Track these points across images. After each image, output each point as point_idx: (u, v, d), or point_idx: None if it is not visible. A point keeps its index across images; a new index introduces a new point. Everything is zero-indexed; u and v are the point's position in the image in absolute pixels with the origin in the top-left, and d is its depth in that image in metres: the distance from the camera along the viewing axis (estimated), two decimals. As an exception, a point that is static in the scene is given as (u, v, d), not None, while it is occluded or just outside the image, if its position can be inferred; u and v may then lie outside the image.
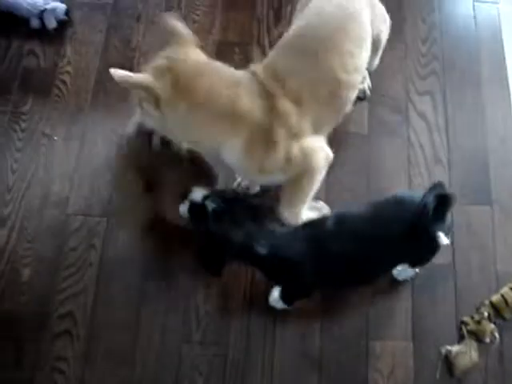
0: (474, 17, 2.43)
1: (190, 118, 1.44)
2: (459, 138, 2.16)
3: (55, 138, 2.14)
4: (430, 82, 2.26)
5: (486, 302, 1.89)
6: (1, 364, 1.82)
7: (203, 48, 1.56)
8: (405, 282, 1.91)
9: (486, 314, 1.86)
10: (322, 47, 1.58)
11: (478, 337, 1.85)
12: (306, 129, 1.54)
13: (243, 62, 2.24)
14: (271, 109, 1.47)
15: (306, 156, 1.56)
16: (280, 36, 2.25)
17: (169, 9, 2.37)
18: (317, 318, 1.88)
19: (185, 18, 2.33)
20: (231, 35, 2.32)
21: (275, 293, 1.82)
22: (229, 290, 1.91)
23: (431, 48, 2.32)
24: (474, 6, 2.46)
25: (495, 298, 1.89)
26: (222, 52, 2.28)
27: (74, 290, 1.91)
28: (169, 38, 1.47)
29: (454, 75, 2.29)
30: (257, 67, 1.56)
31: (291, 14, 2.33)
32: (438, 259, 1.91)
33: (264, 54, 2.26)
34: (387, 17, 1.89)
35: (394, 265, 1.78)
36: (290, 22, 2.28)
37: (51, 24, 2.34)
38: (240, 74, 1.53)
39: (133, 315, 1.88)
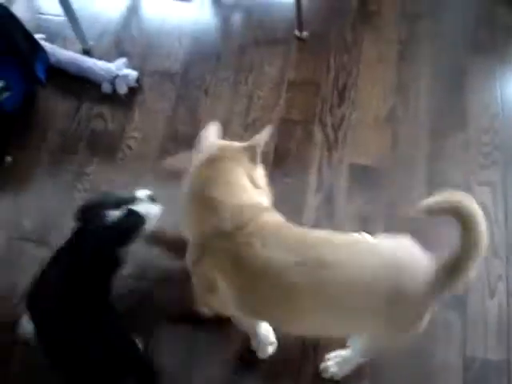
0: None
1: None
2: (519, 233, 2.13)
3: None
4: (491, 173, 2.24)
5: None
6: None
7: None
8: (457, 375, 1.85)
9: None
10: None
11: None
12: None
13: (304, 141, 2.30)
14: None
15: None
16: (343, 117, 2.33)
17: (236, 83, 2.45)
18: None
19: (250, 94, 2.42)
20: (294, 113, 2.36)
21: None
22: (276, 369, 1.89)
23: (493, 138, 2.31)
24: (536, 96, 2.47)
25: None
26: (283, 129, 2.33)
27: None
28: None
29: (515, 167, 2.28)
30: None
31: (354, 96, 2.39)
32: (492, 356, 1.87)
33: (325, 133, 2.31)
34: None
35: None
36: (353, 104, 2.36)
37: (122, 89, 2.43)
38: None
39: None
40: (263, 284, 1.39)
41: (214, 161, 1.51)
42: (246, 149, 1.54)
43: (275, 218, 1.49)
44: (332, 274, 1.35)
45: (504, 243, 2.08)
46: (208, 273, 1.47)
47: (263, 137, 1.56)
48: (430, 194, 2.09)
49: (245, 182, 1.51)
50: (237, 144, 1.58)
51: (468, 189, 2.17)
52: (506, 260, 2.05)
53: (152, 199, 1.80)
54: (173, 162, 1.96)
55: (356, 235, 1.54)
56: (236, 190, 1.48)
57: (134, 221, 1.72)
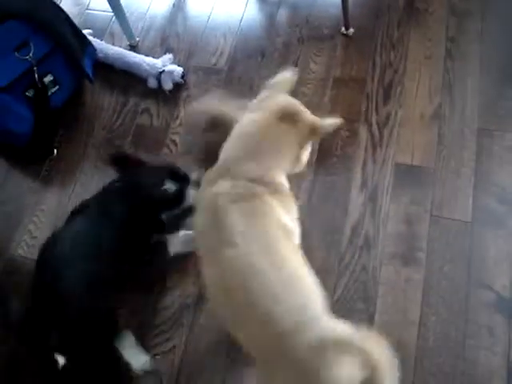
0: None
1: None
2: None
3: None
4: (541, 175, 2.20)
5: None
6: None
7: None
8: (499, 381, 1.82)
9: None
10: None
11: None
12: None
13: (349, 138, 2.28)
14: None
15: None
16: (388, 115, 2.30)
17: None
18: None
19: (295, 91, 2.41)
20: (339, 110, 2.34)
21: None
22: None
23: (543, 140, 2.27)
24: None
25: None
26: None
27: (163, 348, 1.93)
28: None
29: None
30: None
31: (400, 94, 2.36)
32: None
33: (370, 131, 2.29)
34: None
35: None
36: (399, 102, 2.33)
37: (167, 85, 2.45)
38: None
39: (219, 381, 1.88)
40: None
41: (281, 116, 1.52)
42: (312, 125, 1.55)
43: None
44: (250, 280, 1.32)
45: (552, 246, 2.04)
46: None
47: (332, 124, 1.57)
48: (476, 195, 2.11)
49: (289, 156, 1.53)
50: (308, 114, 1.58)
51: (516, 191, 2.14)
52: (553, 261, 2.02)
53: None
54: (198, 108, 1.96)
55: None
56: (275, 158, 1.50)
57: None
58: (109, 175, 2.24)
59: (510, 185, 2.13)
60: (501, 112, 2.30)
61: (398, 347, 1.83)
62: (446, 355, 1.85)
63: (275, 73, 2.42)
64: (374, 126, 2.29)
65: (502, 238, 2.04)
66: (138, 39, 2.64)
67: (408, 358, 1.85)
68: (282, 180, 1.52)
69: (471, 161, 2.19)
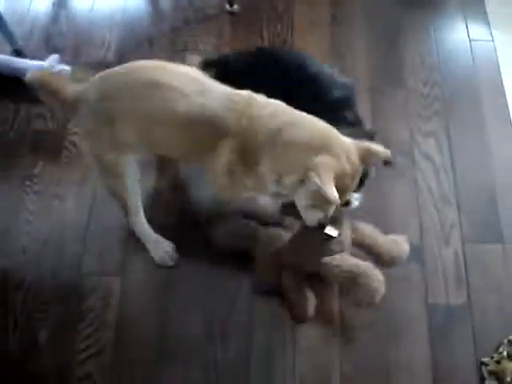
0: (472, 56, 2.47)
1: None
2: (466, 178, 2.18)
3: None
4: (434, 123, 2.29)
5: (505, 341, 1.88)
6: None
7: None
8: (423, 325, 1.90)
9: (505, 353, 1.85)
10: None
11: (498, 376, 1.83)
12: None
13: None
14: None
15: None
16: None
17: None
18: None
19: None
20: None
21: None
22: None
23: (432, 89, 2.36)
24: (471, 44, 2.51)
25: (514, 335, 1.89)
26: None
27: (93, 350, 1.89)
28: None
29: (456, 115, 2.33)
30: None
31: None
32: (454, 300, 1.92)
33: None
34: None
35: None
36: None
37: (58, 86, 2.39)
38: None
39: (153, 373, 1.87)
40: None
41: None
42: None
43: None
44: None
45: (453, 190, 2.14)
46: None
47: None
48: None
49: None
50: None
51: (413, 140, 2.22)
52: (456, 206, 2.11)
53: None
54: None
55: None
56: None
57: None
58: (11, 185, 2.19)
59: (404, 137, 2.24)
60: (390, 69, 2.38)
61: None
62: (371, 313, 1.88)
63: (167, 58, 2.44)
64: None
65: (406, 189, 2.13)
66: (21, 43, 2.55)
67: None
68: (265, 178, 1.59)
69: (368, 120, 2.25)
